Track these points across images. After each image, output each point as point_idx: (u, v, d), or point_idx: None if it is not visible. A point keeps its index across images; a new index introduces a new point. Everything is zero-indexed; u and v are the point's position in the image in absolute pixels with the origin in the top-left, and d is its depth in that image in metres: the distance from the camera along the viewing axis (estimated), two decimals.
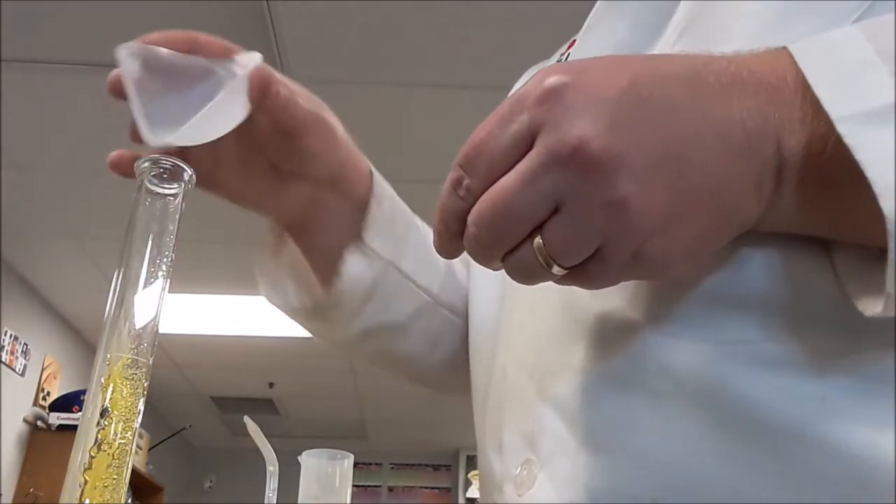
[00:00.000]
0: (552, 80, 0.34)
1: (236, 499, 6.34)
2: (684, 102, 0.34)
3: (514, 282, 0.38)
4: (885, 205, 0.31)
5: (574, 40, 0.65)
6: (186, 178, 0.51)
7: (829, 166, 0.34)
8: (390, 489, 6.60)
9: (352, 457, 1.12)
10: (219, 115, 0.52)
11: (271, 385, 5.48)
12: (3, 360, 3.86)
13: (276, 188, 0.60)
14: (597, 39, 0.54)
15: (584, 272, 0.36)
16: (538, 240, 0.35)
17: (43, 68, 2.60)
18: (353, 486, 1.15)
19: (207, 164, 0.58)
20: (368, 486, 6.55)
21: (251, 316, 4.29)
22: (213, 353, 4.86)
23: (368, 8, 2.33)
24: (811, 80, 0.34)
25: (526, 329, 0.50)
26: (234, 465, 6.52)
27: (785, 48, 0.36)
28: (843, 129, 0.32)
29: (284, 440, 3.04)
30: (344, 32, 2.43)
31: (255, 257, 0.67)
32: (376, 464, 6.56)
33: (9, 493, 3.88)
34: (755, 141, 0.34)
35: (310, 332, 0.69)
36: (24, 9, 2.34)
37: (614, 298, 0.43)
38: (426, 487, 6.60)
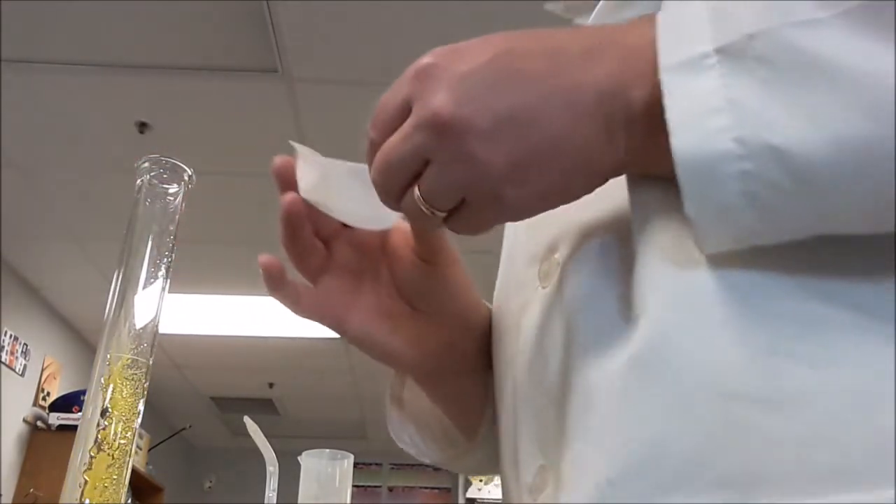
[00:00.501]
0: (424, 60, 0.42)
1: (236, 499, 6.34)
2: (540, 73, 0.40)
3: (522, 306, 0.45)
4: (675, 141, 0.36)
5: None
6: (186, 178, 0.50)
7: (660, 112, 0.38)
8: (390, 489, 6.60)
9: (352, 457, 1.12)
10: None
11: (271, 385, 5.48)
12: (3, 360, 3.86)
13: (415, 333, 0.57)
14: None
15: (459, 217, 0.43)
16: (415, 190, 0.43)
17: (43, 68, 2.60)
18: (353, 486, 1.15)
19: (345, 311, 0.57)
20: (368, 486, 6.55)
21: (251, 316, 4.29)
22: (213, 353, 4.86)
23: (368, 8, 2.33)
24: (658, 30, 0.39)
25: (530, 335, 0.50)
26: (234, 465, 6.52)
27: (655, 15, 0.41)
28: (663, 75, 0.37)
29: (284, 440, 3.04)
30: (344, 32, 2.43)
31: (388, 412, 0.68)
32: (376, 464, 6.56)
33: (8, 494, 3.88)
34: (605, 100, 0.40)
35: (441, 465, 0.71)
36: (24, 9, 2.34)
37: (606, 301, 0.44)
38: (426, 488, 6.60)
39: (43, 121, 2.85)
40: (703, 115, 0.36)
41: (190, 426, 5.85)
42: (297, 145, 0.60)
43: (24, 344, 4.07)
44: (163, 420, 5.85)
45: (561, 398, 0.45)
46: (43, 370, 4.26)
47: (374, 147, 0.45)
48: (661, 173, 0.40)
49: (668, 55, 0.38)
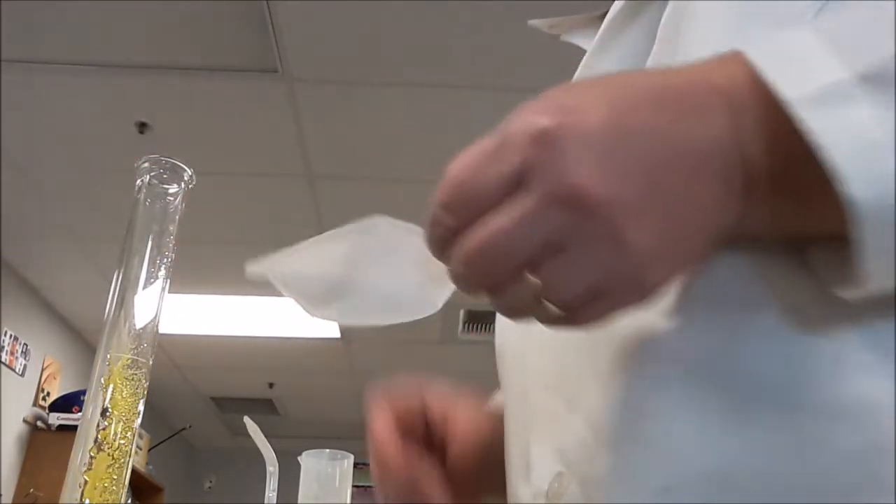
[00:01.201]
0: (540, 121, 0.34)
1: (236, 499, 6.34)
2: (657, 126, 0.35)
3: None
4: (852, 190, 0.31)
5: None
6: (186, 178, 0.50)
7: (790, 162, 0.34)
8: None
9: (352, 457, 1.12)
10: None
11: (271, 385, 5.48)
12: (3, 360, 3.86)
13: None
14: (604, 62, 0.55)
15: (583, 310, 0.36)
16: (535, 280, 0.35)
17: (43, 68, 2.60)
18: (353, 486, 1.15)
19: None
20: (368, 486, 6.52)
21: (251, 316, 4.29)
22: (213, 353, 4.86)
23: (369, 8, 2.33)
24: (759, 69, 0.34)
25: (546, 350, 0.50)
26: (234, 465, 6.51)
27: (736, 51, 0.36)
28: (799, 111, 0.32)
29: (284, 440, 3.04)
30: (344, 32, 2.43)
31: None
32: None
33: (8, 494, 3.88)
34: (724, 154, 0.35)
35: None
36: (24, 9, 2.34)
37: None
38: None
39: (43, 121, 2.85)
40: (869, 154, 0.31)
41: (190, 426, 5.85)
42: (274, 265, 0.47)
43: (24, 344, 4.07)
44: (163, 420, 5.85)
45: (593, 406, 0.44)
46: (43, 370, 4.26)
47: (454, 232, 0.36)
48: (771, 235, 0.38)
49: (793, 88, 0.32)
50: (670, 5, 0.50)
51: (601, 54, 0.55)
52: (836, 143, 0.31)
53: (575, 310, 0.36)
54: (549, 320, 0.37)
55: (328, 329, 4.38)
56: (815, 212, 0.35)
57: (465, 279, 0.37)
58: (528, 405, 0.51)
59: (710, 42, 0.43)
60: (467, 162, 0.36)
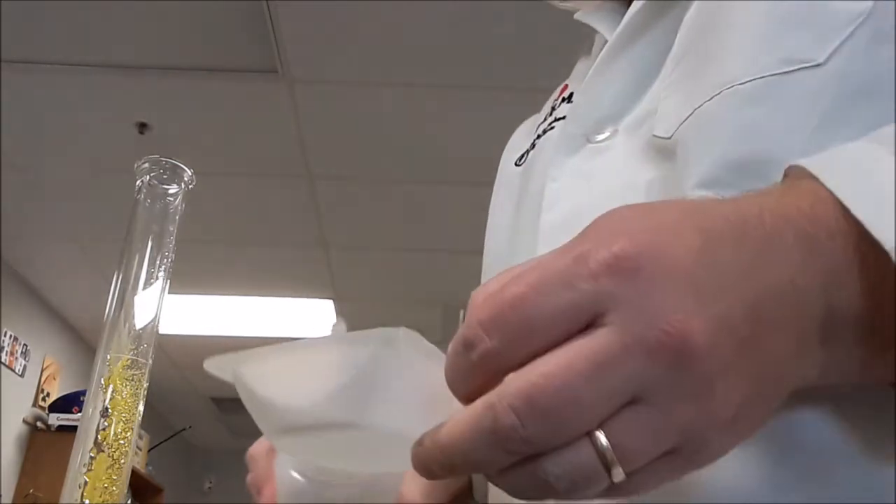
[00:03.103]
0: (621, 246, 0.28)
1: (236, 499, 6.33)
2: (744, 266, 0.30)
3: None
4: None
5: (566, 84, 0.65)
6: (186, 178, 0.50)
7: (893, 314, 0.31)
8: None
9: None
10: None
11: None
12: (2, 360, 3.86)
13: None
14: (605, 76, 0.53)
15: (639, 475, 0.30)
16: (602, 438, 0.28)
17: (43, 68, 2.60)
18: None
19: None
20: None
21: (251, 316, 4.29)
22: (214, 353, 4.83)
23: (369, 8, 2.33)
24: (857, 213, 0.30)
25: None
26: (234, 465, 6.49)
27: (808, 178, 0.32)
28: None
29: None
30: (344, 32, 2.43)
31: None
32: None
33: (8, 494, 3.88)
34: (805, 300, 0.30)
35: None
36: (24, 9, 2.34)
37: None
38: None
39: (43, 121, 2.85)
40: None
41: (190, 427, 5.84)
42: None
43: (24, 344, 4.07)
44: (163, 420, 5.84)
45: None
46: (43, 371, 4.26)
47: (498, 364, 0.29)
48: (853, 381, 0.33)
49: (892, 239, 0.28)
50: (695, 5, 0.48)
51: (626, 46, 0.53)
52: None
53: (635, 474, 0.29)
54: (598, 493, 0.30)
55: (327, 329, 4.37)
56: None
57: (521, 434, 0.27)
58: None
59: (747, 53, 0.42)
60: (522, 281, 0.29)
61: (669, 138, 0.44)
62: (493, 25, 2.37)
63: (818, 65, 0.39)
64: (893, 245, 0.28)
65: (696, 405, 0.28)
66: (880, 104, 0.37)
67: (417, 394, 0.33)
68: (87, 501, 0.44)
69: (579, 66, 0.66)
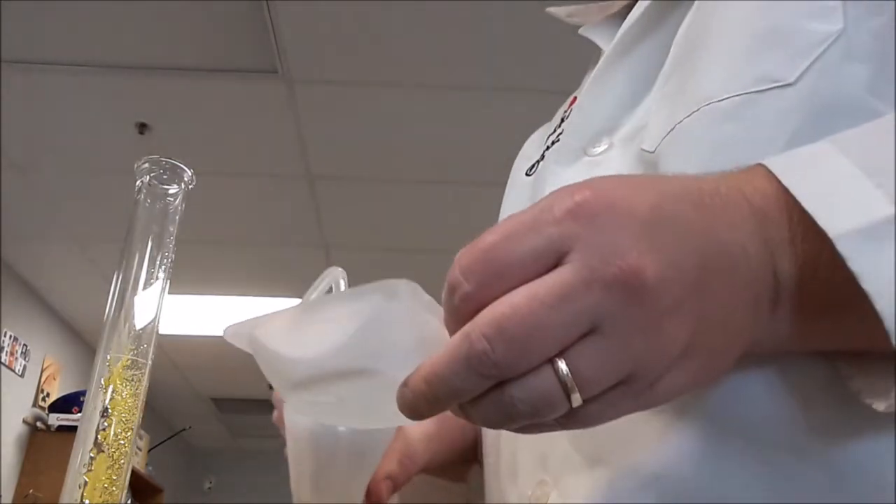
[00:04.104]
0: (582, 195, 0.32)
1: (236, 500, 6.34)
2: (698, 223, 0.33)
3: None
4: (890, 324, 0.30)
5: (574, 97, 0.67)
6: (186, 178, 0.50)
7: (824, 288, 0.34)
8: None
9: None
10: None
11: (271, 386, 5.47)
12: (2, 361, 3.86)
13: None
14: (600, 89, 0.55)
15: (593, 405, 0.33)
16: (562, 365, 0.31)
17: (43, 69, 2.60)
18: None
19: None
20: None
21: (251, 316, 4.28)
22: (213, 354, 4.85)
23: (369, 8, 2.33)
24: (800, 197, 0.33)
25: None
26: (234, 466, 6.51)
27: (761, 165, 0.36)
28: (843, 248, 0.31)
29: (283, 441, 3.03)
30: (344, 32, 2.43)
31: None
32: None
33: (8, 494, 3.88)
34: (755, 264, 0.34)
35: None
36: (24, 9, 2.34)
37: None
38: None
39: (43, 121, 2.85)
40: None
41: (190, 427, 5.84)
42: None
43: (24, 345, 4.07)
44: (163, 421, 5.85)
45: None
46: (42, 371, 4.26)
47: (470, 303, 0.32)
48: (793, 348, 0.37)
49: (835, 221, 0.32)
50: (686, 21, 0.50)
51: (620, 59, 0.55)
52: (886, 294, 0.31)
53: (592, 402, 0.32)
54: (550, 422, 0.33)
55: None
56: (845, 329, 0.35)
57: (492, 358, 0.31)
58: None
59: (726, 71, 0.44)
60: (495, 231, 0.32)
61: (653, 152, 0.47)
62: (493, 26, 2.37)
63: (789, 84, 0.42)
64: (828, 223, 0.32)
65: (646, 337, 0.31)
66: (849, 122, 0.39)
67: (419, 340, 0.35)
68: (87, 501, 0.44)
69: (586, 78, 0.67)
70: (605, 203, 0.32)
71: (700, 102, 0.44)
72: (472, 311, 0.32)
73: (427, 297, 0.37)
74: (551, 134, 0.65)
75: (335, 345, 0.36)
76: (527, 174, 0.66)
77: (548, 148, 0.64)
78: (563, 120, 0.65)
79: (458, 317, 0.33)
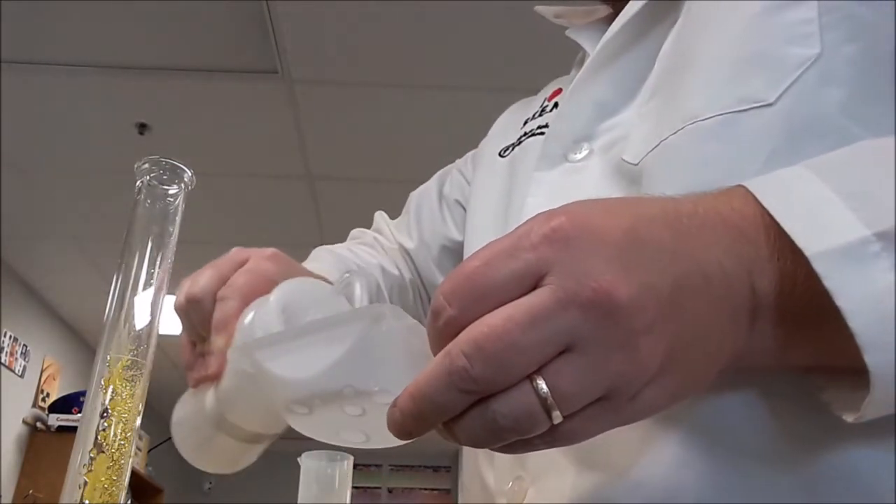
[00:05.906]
0: (558, 220, 0.33)
1: (236, 500, 6.34)
2: (671, 245, 0.35)
3: None
4: (871, 359, 0.32)
5: (559, 89, 0.67)
6: (186, 179, 0.50)
7: (801, 305, 0.35)
8: (390, 490, 6.59)
9: (351, 458, 1.12)
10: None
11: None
12: (2, 361, 3.86)
13: None
14: (582, 95, 0.57)
15: (572, 421, 0.34)
16: (541, 382, 0.32)
17: (43, 68, 2.60)
18: (353, 487, 1.15)
19: None
20: (368, 487, 6.54)
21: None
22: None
23: (369, 8, 2.33)
24: (778, 218, 0.35)
25: None
26: None
27: (741, 187, 0.37)
28: (819, 267, 0.33)
29: (283, 441, 3.03)
30: (344, 32, 2.43)
31: None
32: (376, 465, 6.55)
33: (8, 495, 3.88)
34: (732, 281, 0.35)
35: None
36: (24, 9, 2.34)
37: None
38: (426, 489, 6.59)
39: (43, 121, 2.85)
40: (888, 324, 0.32)
41: None
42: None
43: (24, 345, 4.07)
44: (163, 421, 5.81)
45: None
46: (42, 371, 4.26)
47: (453, 326, 0.33)
48: (771, 364, 0.38)
49: (812, 241, 0.34)
50: (671, 38, 0.52)
51: (604, 66, 0.56)
52: (859, 311, 0.32)
53: (573, 418, 0.33)
54: (536, 440, 0.34)
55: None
56: (822, 344, 0.36)
57: (471, 375, 0.32)
58: None
59: (710, 91, 0.46)
60: (476, 258, 0.34)
61: (636, 165, 0.48)
62: (493, 26, 2.37)
63: (769, 104, 0.43)
64: (813, 253, 0.33)
65: (623, 355, 0.33)
66: (824, 141, 0.41)
67: (405, 360, 0.37)
68: (87, 502, 0.44)
69: (572, 76, 0.67)
70: (580, 228, 0.33)
71: (685, 121, 0.46)
72: (455, 333, 0.33)
73: (412, 320, 0.38)
74: (530, 120, 0.66)
75: (328, 365, 0.38)
76: (500, 155, 0.67)
77: (525, 135, 0.65)
78: (543, 111, 0.66)
79: (442, 339, 0.34)
